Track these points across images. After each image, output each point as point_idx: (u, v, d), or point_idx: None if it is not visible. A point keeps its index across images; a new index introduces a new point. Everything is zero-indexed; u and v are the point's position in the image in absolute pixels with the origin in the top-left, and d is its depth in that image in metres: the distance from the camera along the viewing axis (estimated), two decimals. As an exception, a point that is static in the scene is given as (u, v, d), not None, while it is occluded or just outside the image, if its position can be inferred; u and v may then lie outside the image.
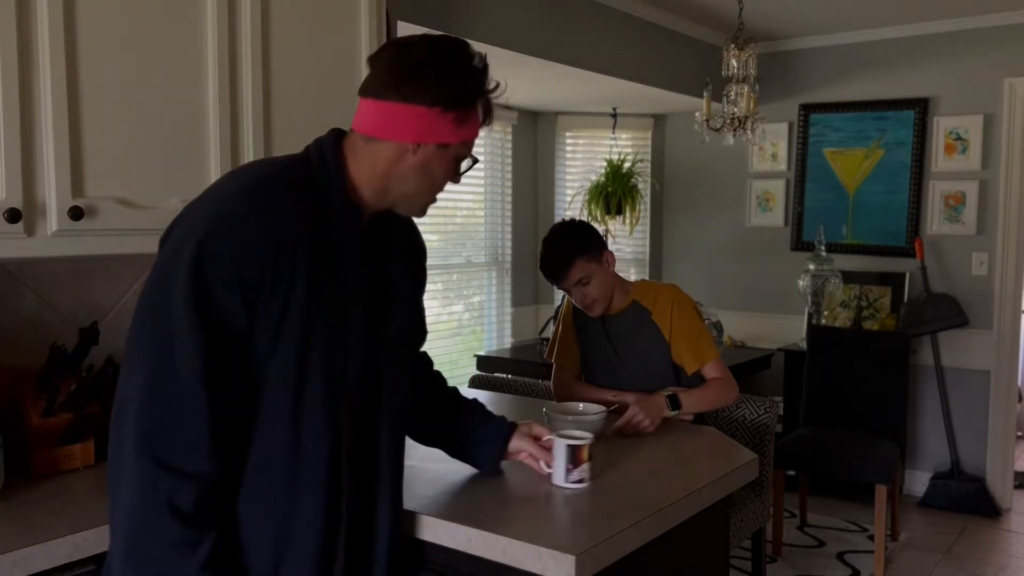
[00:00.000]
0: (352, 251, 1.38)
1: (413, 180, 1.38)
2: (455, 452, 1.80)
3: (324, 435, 1.35)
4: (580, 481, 1.71)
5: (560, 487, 1.71)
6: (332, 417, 1.35)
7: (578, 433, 1.77)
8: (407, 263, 1.53)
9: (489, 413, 1.80)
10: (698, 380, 2.53)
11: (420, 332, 1.65)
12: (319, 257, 1.32)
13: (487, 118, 1.42)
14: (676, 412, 2.30)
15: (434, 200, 1.46)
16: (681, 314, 2.52)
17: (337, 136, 1.41)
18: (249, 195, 1.29)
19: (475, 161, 1.46)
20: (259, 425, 1.32)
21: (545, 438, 1.76)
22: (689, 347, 2.50)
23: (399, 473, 1.52)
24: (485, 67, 1.38)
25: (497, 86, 1.40)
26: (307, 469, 1.34)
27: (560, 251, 2.45)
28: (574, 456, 1.70)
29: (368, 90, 1.37)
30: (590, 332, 2.61)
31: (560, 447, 1.70)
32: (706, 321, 4.55)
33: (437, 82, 1.32)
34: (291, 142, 2.16)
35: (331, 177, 1.36)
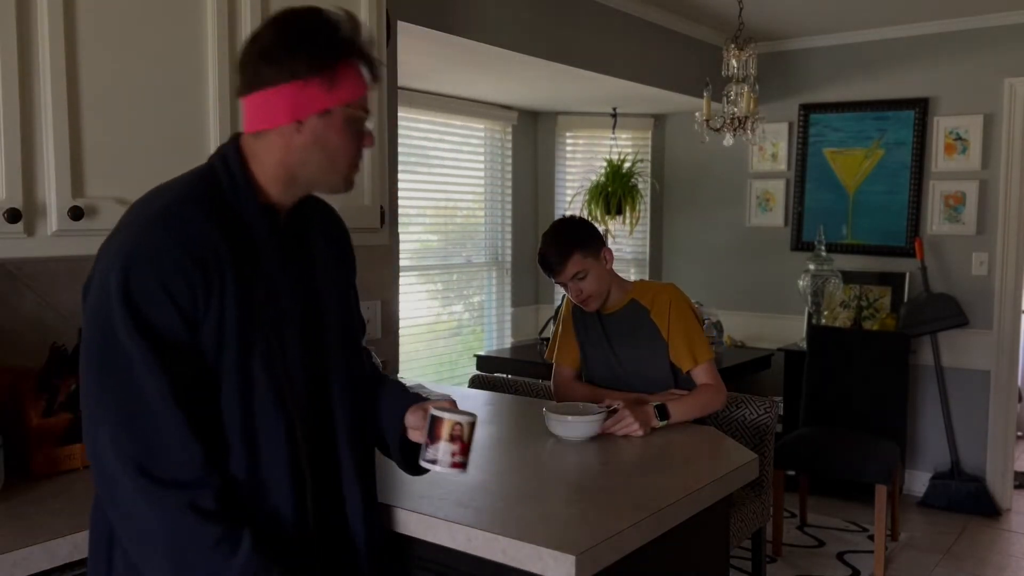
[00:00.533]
0: (273, 252, 1.38)
1: (313, 158, 1.36)
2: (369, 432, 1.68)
3: (278, 438, 1.35)
4: (433, 461, 1.46)
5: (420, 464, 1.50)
6: (284, 419, 1.36)
7: (462, 411, 1.49)
8: (331, 250, 1.53)
9: (405, 390, 1.65)
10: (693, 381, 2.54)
11: (357, 315, 1.62)
12: (243, 266, 1.32)
13: (372, 72, 1.38)
14: (664, 423, 2.28)
15: (354, 169, 1.42)
16: (679, 313, 2.53)
17: (237, 140, 1.41)
18: (163, 222, 1.29)
19: (367, 113, 1.41)
20: (221, 432, 1.32)
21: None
22: (686, 345, 2.51)
23: (366, 465, 1.52)
24: (344, 24, 1.34)
25: (358, 38, 1.35)
26: (267, 474, 1.35)
27: (558, 245, 2.48)
28: (432, 429, 1.46)
29: (240, 90, 1.37)
30: (590, 332, 2.61)
31: (428, 418, 1.48)
32: (706, 321, 4.59)
33: (289, 56, 1.31)
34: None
35: (239, 184, 1.36)
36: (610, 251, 2.54)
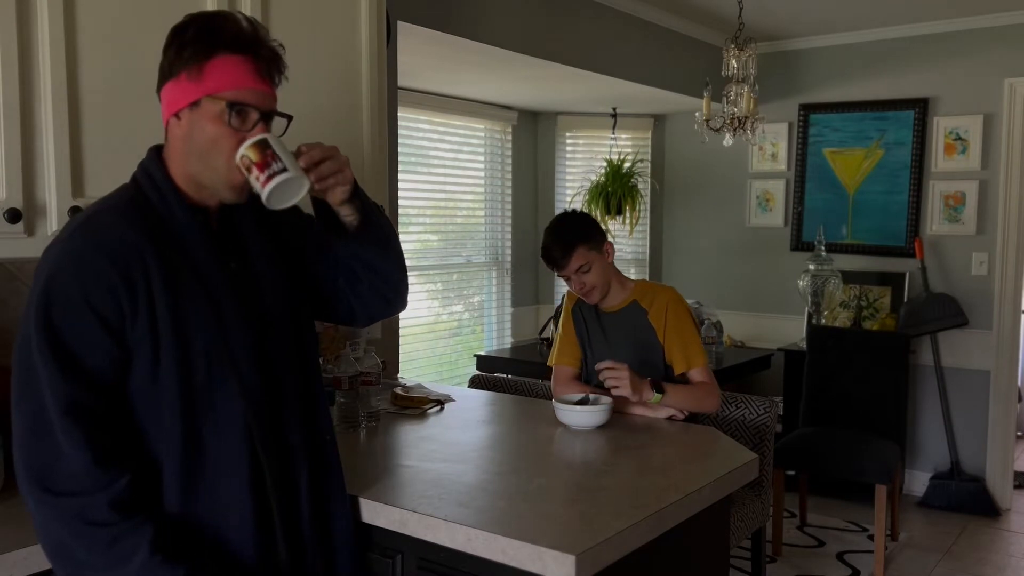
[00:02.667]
0: (203, 249, 1.39)
1: (192, 150, 1.37)
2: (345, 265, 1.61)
3: (232, 425, 1.38)
4: (258, 197, 1.38)
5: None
6: (236, 406, 1.38)
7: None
8: (273, 237, 1.53)
9: None
10: (683, 383, 2.56)
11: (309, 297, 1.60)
12: (171, 264, 1.34)
13: (262, 69, 1.37)
14: (656, 398, 2.31)
15: (238, 173, 1.36)
16: (676, 316, 2.56)
17: (158, 150, 1.43)
18: (81, 231, 1.32)
19: (287, 116, 1.41)
20: (162, 432, 1.34)
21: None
22: (681, 349, 2.54)
23: (316, 452, 1.52)
24: (231, 22, 1.35)
25: (249, 35, 1.35)
26: (220, 468, 1.37)
27: (563, 238, 2.53)
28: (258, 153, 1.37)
29: None
30: (590, 329, 2.64)
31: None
32: (705, 321, 4.59)
33: (166, 56, 1.37)
34: (289, 142, 2.16)
35: (161, 187, 1.39)
36: (611, 244, 2.59)
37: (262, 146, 1.37)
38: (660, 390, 2.33)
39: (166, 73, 1.37)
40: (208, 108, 1.34)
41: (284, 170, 1.36)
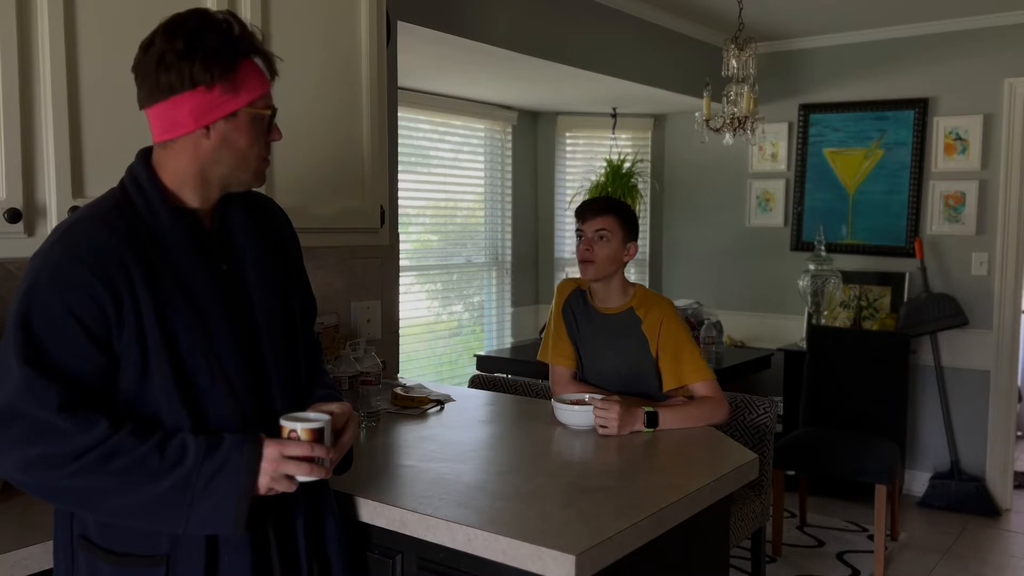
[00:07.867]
0: (188, 254, 1.38)
1: (223, 159, 1.37)
2: None
3: (227, 428, 1.37)
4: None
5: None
6: (224, 415, 1.37)
7: (314, 416, 1.42)
8: (262, 242, 1.52)
9: (329, 396, 1.59)
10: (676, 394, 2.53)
11: (299, 306, 1.59)
12: (155, 270, 1.33)
13: (269, 67, 1.40)
14: (650, 431, 2.25)
15: (264, 164, 1.43)
16: (668, 332, 2.52)
17: (146, 154, 1.42)
18: (62, 241, 1.31)
19: (274, 110, 1.44)
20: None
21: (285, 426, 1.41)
22: (674, 366, 2.50)
23: None
24: (233, 23, 1.35)
25: (250, 35, 1.36)
26: None
27: (606, 201, 2.68)
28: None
29: (141, 101, 1.38)
30: (582, 330, 2.62)
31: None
32: (705, 321, 4.59)
33: (187, 63, 1.31)
34: (290, 142, 2.16)
35: (148, 193, 1.37)
36: (636, 247, 2.67)
37: (309, 436, 1.38)
38: (653, 422, 2.24)
39: (183, 83, 1.31)
40: (243, 117, 1.36)
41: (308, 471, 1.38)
